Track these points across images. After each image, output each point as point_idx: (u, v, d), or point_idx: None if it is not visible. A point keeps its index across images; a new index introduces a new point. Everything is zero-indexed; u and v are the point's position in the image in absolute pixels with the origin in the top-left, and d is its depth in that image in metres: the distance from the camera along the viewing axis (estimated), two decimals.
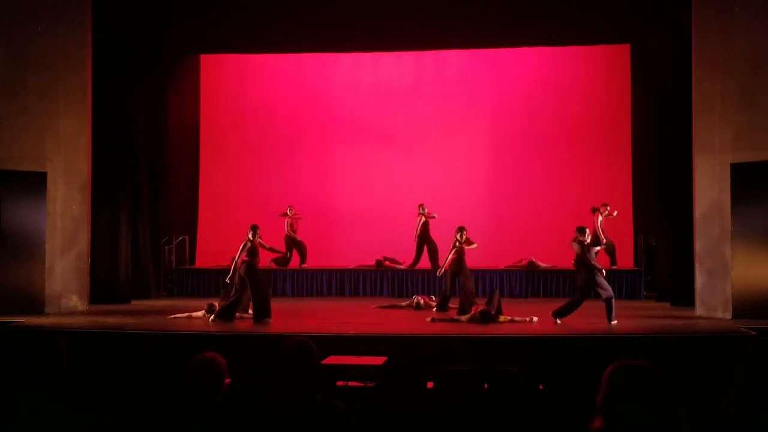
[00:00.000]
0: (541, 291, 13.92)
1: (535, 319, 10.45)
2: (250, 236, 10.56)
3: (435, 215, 14.48)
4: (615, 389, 2.71)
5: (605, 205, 13.80)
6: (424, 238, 14.61)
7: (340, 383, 6.84)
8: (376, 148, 16.70)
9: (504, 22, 13.26)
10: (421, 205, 14.65)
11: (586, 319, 10.70)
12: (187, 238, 15.95)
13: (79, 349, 5.97)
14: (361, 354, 7.98)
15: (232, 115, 17.00)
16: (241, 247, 10.54)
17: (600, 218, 13.66)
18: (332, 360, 7.51)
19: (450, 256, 11.48)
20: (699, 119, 11.20)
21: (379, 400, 6.05)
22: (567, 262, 14.35)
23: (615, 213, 13.84)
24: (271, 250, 11.83)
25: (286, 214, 15.20)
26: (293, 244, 15.22)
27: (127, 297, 13.05)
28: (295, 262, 15.29)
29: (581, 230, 10.17)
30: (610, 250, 14.03)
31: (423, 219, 14.57)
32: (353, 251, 15.36)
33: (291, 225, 15.24)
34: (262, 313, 10.43)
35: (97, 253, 12.65)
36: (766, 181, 10.63)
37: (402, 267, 14.81)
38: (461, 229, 11.50)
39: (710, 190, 11.04)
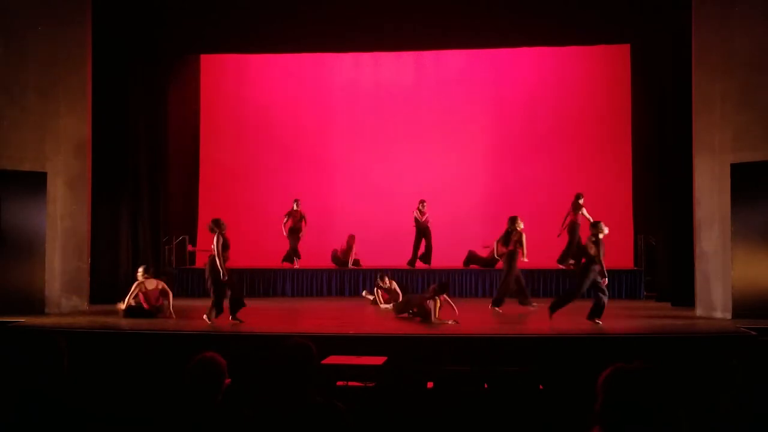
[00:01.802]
0: (540, 291, 13.89)
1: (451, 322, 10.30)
2: (222, 230, 10.29)
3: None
4: (611, 396, 2.71)
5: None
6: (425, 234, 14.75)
7: (340, 383, 6.84)
8: (376, 148, 16.70)
9: (504, 22, 13.26)
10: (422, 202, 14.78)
11: (587, 320, 10.71)
12: (187, 238, 15.94)
13: (79, 349, 5.97)
14: (361, 354, 7.98)
15: (232, 115, 17.00)
16: (218, 244, 10.25)
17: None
18: (332, 360, 7.51)
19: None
20: (699, 119, 11.20)
21: (379, 400, 6.05)
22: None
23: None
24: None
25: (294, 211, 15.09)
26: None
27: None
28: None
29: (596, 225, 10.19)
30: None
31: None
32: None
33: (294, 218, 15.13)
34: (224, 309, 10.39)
35: (97, 253, 12.64)
36: (766, 181, 10.63)
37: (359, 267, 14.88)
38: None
39: (710, 190, 11.03)
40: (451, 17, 13.17)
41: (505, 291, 11.73)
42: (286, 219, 15.03)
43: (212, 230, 10.38)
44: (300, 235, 15.08)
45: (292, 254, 15.09)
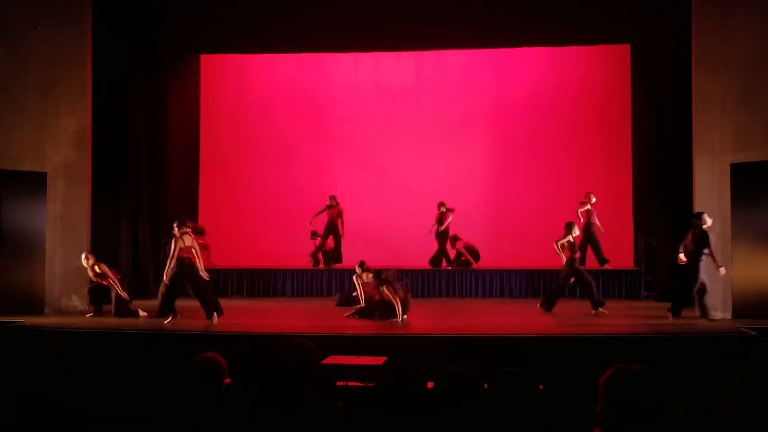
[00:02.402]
0: (541, 291, 13.89)
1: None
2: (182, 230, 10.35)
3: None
4: (612, 397, 2.71)
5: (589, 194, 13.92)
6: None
7: (340, 383, 6.85)
8: (376, 148, 16.69)
9: (504, 22, 13.26)
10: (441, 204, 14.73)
11: (587, 319, 10.72)
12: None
13: (79, 349, 5.97)
14: (361, 354, 7.98)
15: (233, 115, 16.99)
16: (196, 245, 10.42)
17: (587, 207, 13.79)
18: (332, 360, 7.51)
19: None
20: (699, 119, 11.20)
21: (379, 400, 6.05)
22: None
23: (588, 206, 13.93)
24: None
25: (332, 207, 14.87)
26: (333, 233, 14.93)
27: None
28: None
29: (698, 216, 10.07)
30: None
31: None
32: (353, 251, 15.33)
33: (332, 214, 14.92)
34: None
35: (97, 253, 12.61)
36: (766, 181, 10.63)
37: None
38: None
39: (710, 190, 11.03)
40: (451, 17, 13.16)
41: (591, 293, 11.39)
42: (317, 214, 14.78)
43: (196, 231, 10.45)
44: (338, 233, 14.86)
45: (317, 254, 14.96)
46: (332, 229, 14.87)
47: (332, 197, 14.86)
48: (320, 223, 15.19)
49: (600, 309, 11.19)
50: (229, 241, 16.19)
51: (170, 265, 10.25)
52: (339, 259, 14.95)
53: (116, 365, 8.15)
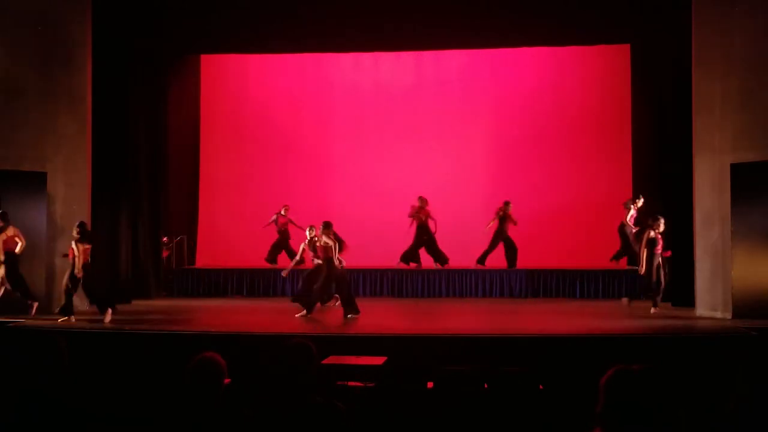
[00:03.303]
0: (541, 291, 13.90)
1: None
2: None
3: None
4: (612, 397, 2.71)
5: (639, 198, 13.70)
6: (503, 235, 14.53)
7: (340, 383, 6.85)
8: (376, 148, 16.69)
9: (504, 22, 13.25)
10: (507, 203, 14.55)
11: (587, 319, 10.72)
12: (186, 238, 15.95)
13: (79, 349, 5.97)
14: (361, 354, 7.98)
15: (233, 115, 17.00)
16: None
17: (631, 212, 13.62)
18: (332, 360, 7.51)
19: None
20: (699, 119, 11.20)
21: (379, 400, 6.05)
22: (567, 261, 14.40)
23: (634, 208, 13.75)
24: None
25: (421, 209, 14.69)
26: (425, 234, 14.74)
27: (127, 297, 13.03)
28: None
29: None
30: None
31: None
32: (352, 251, 15.29)
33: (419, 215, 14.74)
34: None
35: (97, 253, 12.62)
36: (766, 181, 10.63)
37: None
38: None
39: (710, 190, 11.04)
40: (451, 17, 13.15)
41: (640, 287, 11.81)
42: (414, 216, 14.60)
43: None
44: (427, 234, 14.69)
45: (413, 254, 14.81)
46: (423, 230, 14.68)
47: (421, 198, 14.69)
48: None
49: (631, 301, 11.82)
50: (229, 241, 16.21)
51: (78, 264, 10.56)
52: (444, 260, 14.64)
53: (116, 365, 8.14)
